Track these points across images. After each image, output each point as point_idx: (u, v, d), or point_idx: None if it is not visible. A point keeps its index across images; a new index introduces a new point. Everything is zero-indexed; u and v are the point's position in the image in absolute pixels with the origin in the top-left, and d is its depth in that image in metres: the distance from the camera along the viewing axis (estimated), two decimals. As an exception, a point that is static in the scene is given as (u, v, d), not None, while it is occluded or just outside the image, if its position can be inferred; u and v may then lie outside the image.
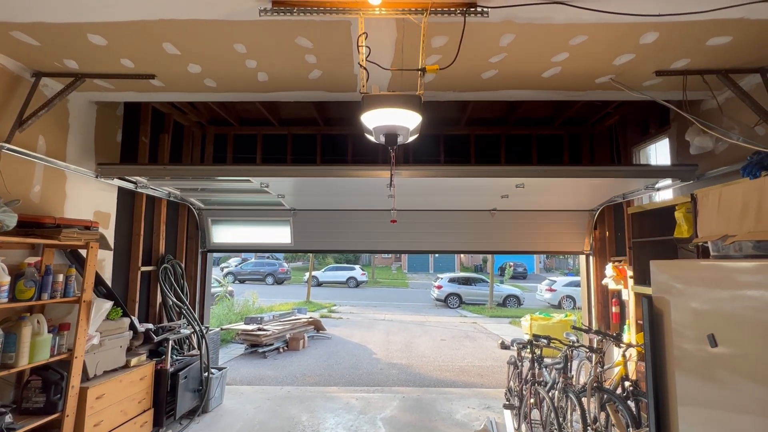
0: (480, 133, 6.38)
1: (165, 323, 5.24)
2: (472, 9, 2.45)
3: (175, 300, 5.47)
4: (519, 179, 4.71)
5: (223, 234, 6.45)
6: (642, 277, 4.40)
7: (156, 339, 4.51)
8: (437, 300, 19.06)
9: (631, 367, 4.10)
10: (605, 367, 4.04)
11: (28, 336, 2.93)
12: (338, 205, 6.23)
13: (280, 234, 6.44)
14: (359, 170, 4.68)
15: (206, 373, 5.26)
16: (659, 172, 4.39)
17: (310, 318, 11.73)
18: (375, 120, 2.41)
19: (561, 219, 6.26)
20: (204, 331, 5.52)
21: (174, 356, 4.93)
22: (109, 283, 4.40)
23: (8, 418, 2.86)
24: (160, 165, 4.61)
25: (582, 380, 4.82)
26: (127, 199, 4.88)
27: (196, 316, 5.94)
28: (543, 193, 5.63)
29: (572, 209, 6.18)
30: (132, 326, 4.19)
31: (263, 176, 4.67)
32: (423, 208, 6.26)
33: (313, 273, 23.35)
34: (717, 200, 2.00)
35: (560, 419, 3.86)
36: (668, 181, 4.46)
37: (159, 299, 5.40)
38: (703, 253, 3.47)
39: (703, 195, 2.13)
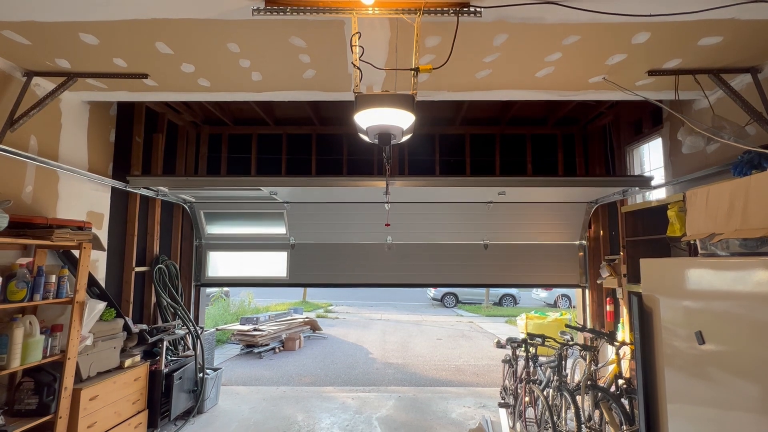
0: (475, 132, 6.40)
1: (159, 324, 5.22)
2: (465, 9, 2.46)
3: (169, 300, 5.45)
4: (501, 187, 5.24)
5: (220, 268, 6.49)
6: (635, 275, 4.43)
7: (150, 340, 4.48)
8: (434, 299, 19.08)
9: (625, 365, 4.13)
10: (599, 365, 4.07)
11: (20, 337, 2.90)
12: (336, 231, 6.31)
13: (276, 267, 6.46)
14: (356, 181, 5.19)
15: (201, 374, 5.25)
16: (621, 182, 5.00)
17: (306, 318, 11.72)
18: (368, 120, 2.41)
19: (552, 251, 6.31)
20: (199, 332, 5.50)
21: (169, 357, 4.91)
22: (102, 283, 4.38)
23: (0, 420, 2.84)
24: (183, 177, 5.24)
25: (576, 378, 4.84)
26: (120, 200, 4.86)
27: (191, 316, 5.92)
28: (526, 200, 5.99)
29: (561, 242, 6.28)
30: (126, 327, 4.17)
31: (273, 186, 5.17)
32: (418, 241, 6.34)
33: (310, 273, 23.24)
34: (705, 199, 2.01)
35: (555, 417, 3.88)
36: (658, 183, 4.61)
37: (153, 300, 5.38)
38: (695, 251, 3.50)
39: (691, 194, 2.15)
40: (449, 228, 6.27)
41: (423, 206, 6.18)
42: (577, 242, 6.29)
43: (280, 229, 6.38)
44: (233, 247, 6.45)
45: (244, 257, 6.52)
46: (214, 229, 6.45)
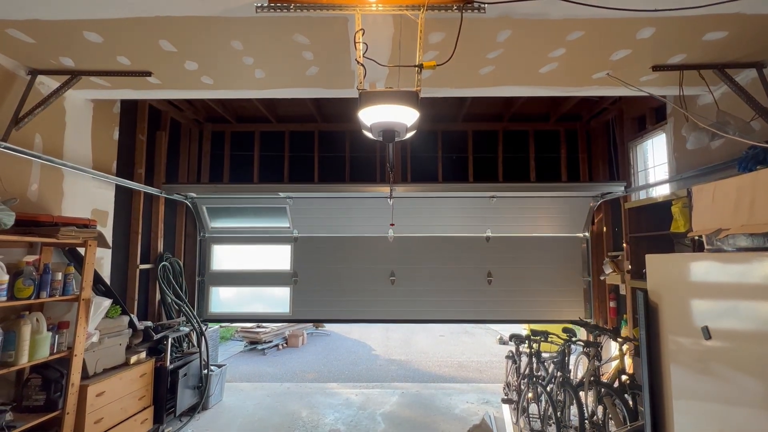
0: (477, 129, 6.39)
1: (164, 321, 5.25)
2: (469, 5, 2.45)
3: (173, 298, 5.48)
4: (491, 192, 5.77)
5: (223, 303, 6.43)
6: (639, 271, 4.43)
7: (155, 337, 4.51)
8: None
9: (628, 361, 4.13)
10: (602, 361, 4.07)
11: (28, 334, 2.93)
12: (340, 266, 6.30)
13: (278, 302, 6.36)
14: (360, 186, 5.68)
15: (206, 371, 5.28)
16: (598, 187, 5.55)
17: (309, 315, 11.74)
18: (372, 117, 2.41)
19: (555, 287, 6.20)
20: (203, 329, 5.53)
21: (173, 354, 4.94)
22: (107, 281, 4.41)
23: (8, 416, 2.86)
24: (211, 184, 6.13)
25: (579, 374, 4.86)
26: (124, 197, 4.88)
27: (195, 313, 5.97)
28: (519, 233, 6.27)
29: (564, 277, 6.21)
30: (131, 324, 4.20)
31: (281, 192, 5.70)
32: (422, 276, 6.28)
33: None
34: (711, 195, 2.01)
35: (558, 413, 3.89)
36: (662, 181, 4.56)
37: (158, 297, 5.40)
38: (699, 247, 3.50)
39: (698, 190, 2.15)
40: (452, 262, 6.23)
41: (426, 239, 6.24)
42: (581, 278, 6.20)
43: (284, 265, 6.33)
44: (236, 282, 6.36)
45: (247, 291, 6.44)
46: (218, 265, 6.40)
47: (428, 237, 6.26)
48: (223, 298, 6.42)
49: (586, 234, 6.19)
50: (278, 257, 6.35)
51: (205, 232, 6.33)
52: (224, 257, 6.42)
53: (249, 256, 6.41)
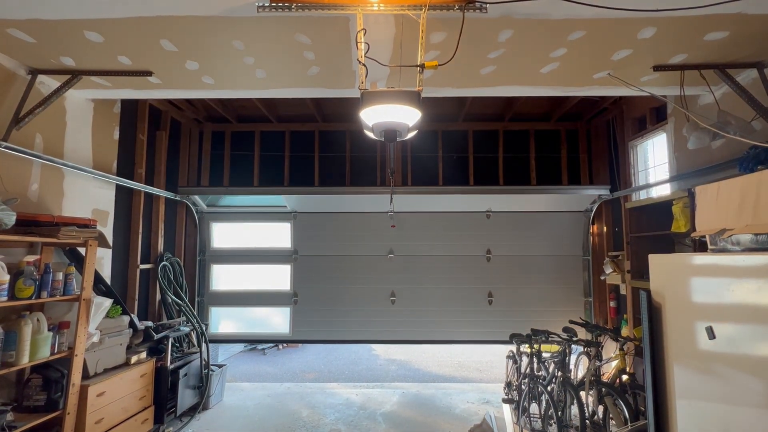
0: (478, 129, 6.40)
1: (164, 321, 5.24)
2: (470, 5, 2.45)
3: (174, 298, 5.47)
4: (491, 195, 5.99)
5: (222, 324, 6.38)
6: (639, 271, 4.44)
7: (156, 337, 4.51)
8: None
9: (629, 360, 4.14)
10: (603, 361, 4.08)
11: (29, 334, 2.93)
12: (339, 286, 6.26)
13: (278, 323, 6.32)
14: (361, 189, 5.90)
15: (206, 370, 5.28)
16: (586, 189, 5.89)
17: (309, 315, 11.73)
18: (374, 116, 2.41)
19: (556, 306, 6.15)
20: (203, 329, 5.53)
21: (174, 353, 4.93)
22: (108, 281, 4.40)
23: (9, 416, 2.86)
24: (222, 186, 6.29)
25: (580, 374, 4.86)
26: (125, 197, 4.87)
27: (196, 313, 5.96)
28: (518, 253, 6.26)
29: (564, 296, 6.19)
30: (132, 324, 4.20)
31: (289, 194, 5.99)
32: (422, 296, 6.22)
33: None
34: (715, 194, 2.02)
35: (559, 413, 3.89)
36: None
37: (158, 297, 5.40)
38: (700, 247, 3.50)
39: (701, 189, 2.15)
40: (453, 282, 6.20)
41: (426, 259, 6.23)
42: (582, 298, 6.17)
43: (284, 285, 6.29)
44: (236, 302, 6.31)
45: (247, 311, 6.39)
46: (218, 285, 6.34)
47: (428, 256, 6.23)
48: (222, 318, 6.36)
49: (587, 257, 6.19)
50: (278, 277, 6.29)
51: (206, 251, 6.29)
52: (224, 277, 6.36)
53: (249, 276, 6.35)
